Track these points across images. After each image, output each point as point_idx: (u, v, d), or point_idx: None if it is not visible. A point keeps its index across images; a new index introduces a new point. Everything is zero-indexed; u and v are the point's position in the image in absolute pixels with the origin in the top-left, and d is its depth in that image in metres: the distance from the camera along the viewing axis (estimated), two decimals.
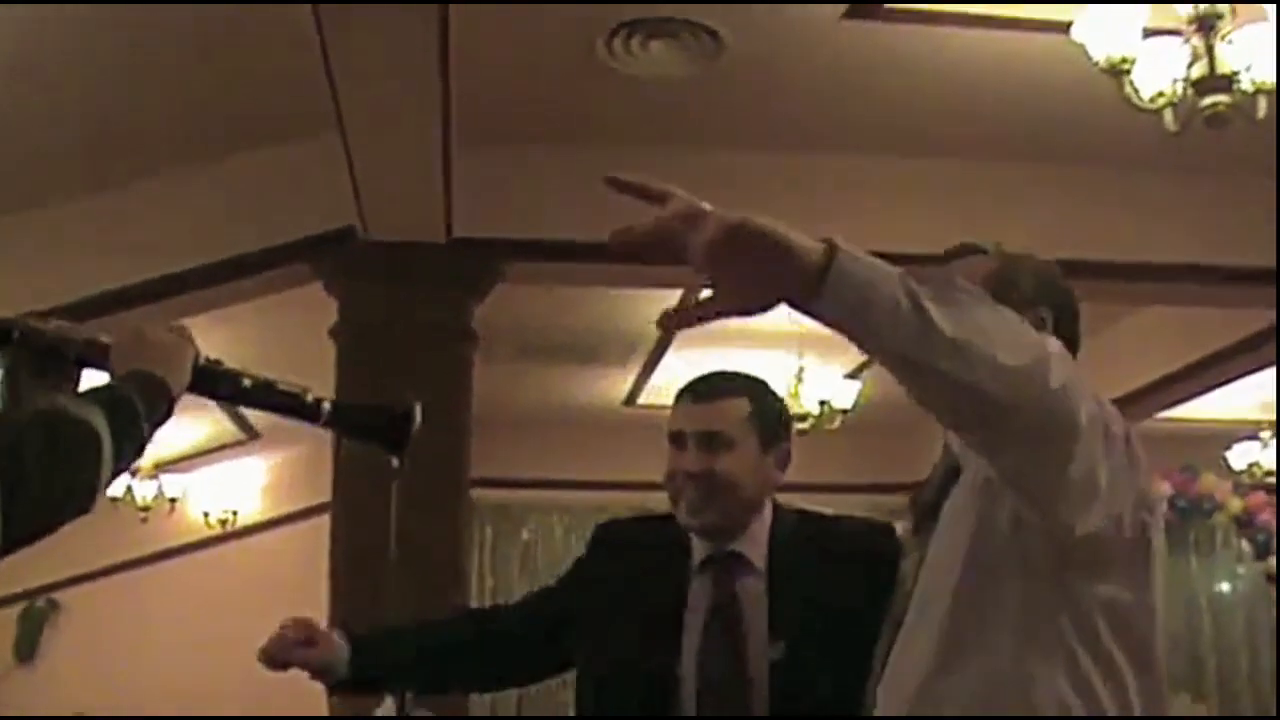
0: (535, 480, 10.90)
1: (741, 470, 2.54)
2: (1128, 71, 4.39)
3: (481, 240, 5.98)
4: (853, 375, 8.76)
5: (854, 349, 6.24)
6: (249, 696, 10.13)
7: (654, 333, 8.60)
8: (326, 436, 6.19)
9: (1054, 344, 1.70)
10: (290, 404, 1.94)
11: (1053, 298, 2.13)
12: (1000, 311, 1.65)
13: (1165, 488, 8.07)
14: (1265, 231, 6.02)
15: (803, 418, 8.22)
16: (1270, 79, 4.31)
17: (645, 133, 5.91)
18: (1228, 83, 4.31)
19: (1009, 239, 6.00)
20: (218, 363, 1.93)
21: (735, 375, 2.70)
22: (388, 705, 4.81)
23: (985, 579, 1.87)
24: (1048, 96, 5.52)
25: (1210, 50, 4.22)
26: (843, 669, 2.33)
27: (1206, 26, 4.22)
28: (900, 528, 2.56)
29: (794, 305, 1.54)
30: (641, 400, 10.08)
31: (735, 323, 6.40)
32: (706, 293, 1.57)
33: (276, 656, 2.60)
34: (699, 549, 2.57)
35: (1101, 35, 4.40)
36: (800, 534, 2.60)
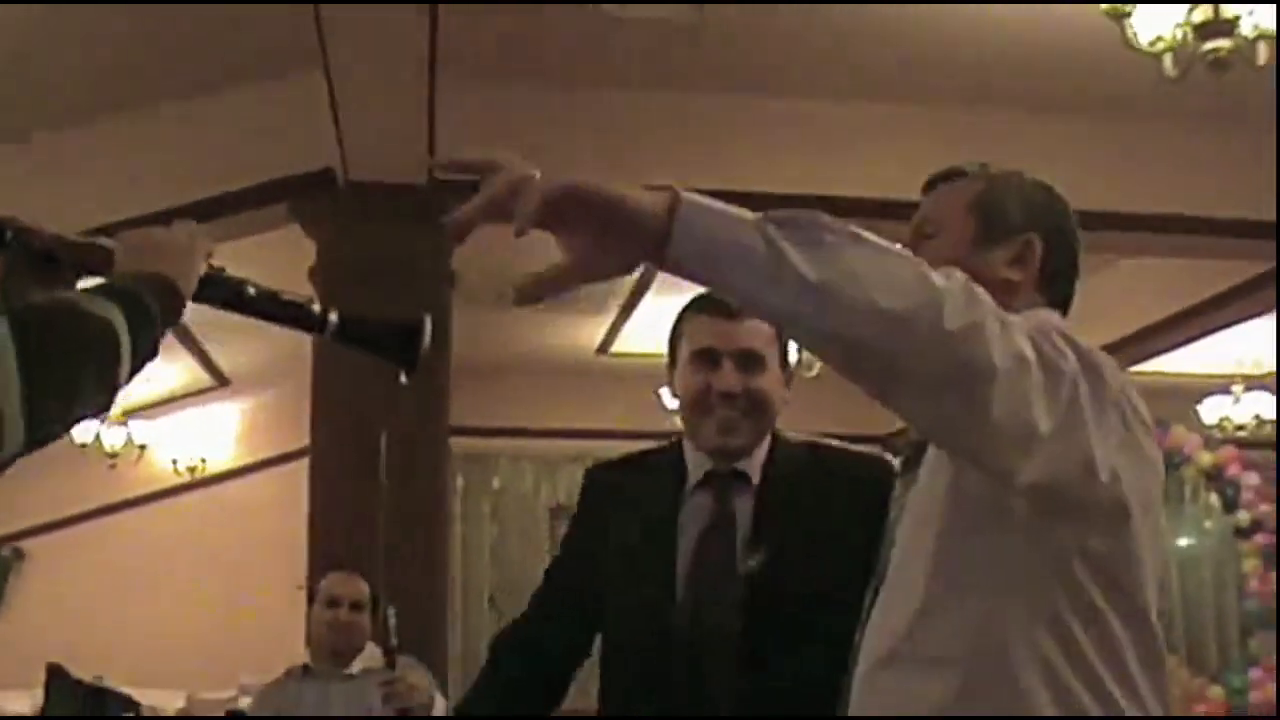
0: (506, 428, 10.84)
1: (774, 390, 2.51)
2: (1129, 15, 4.36)
3: (463, 181, 5.85)
4: None
5: None
6: (219, 643, 10.16)
7: (629, 280, 8.55)
8: (301, 382, 6.13)
9: (956, 280, 1.53)
10: (295, 314, 1.84)
11: (1043, 221, 1.97)
12: (880, 249, 1.50)
13: None
14: (1256, 184, 6.01)
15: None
16: (1271, 25, 4.29)
17: (630, 76, 5.85)
18: (1229, 27, 4.28)
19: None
20: (220, 269, 1.83)
21: None
22: (370, 654, 4.76)
23: (963, 529, 1.77)
24: (1042, 42, 5.48)
25: None
26: (823, 586, 2.34)
27: None
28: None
29: (650, 263, 1.48)
30: (615, 348, 10.03)
31: None
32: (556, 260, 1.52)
33: None
34: (698, 466, 2.53)
35: None
36: (798, 457, 2.56)
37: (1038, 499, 1.67)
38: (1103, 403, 1.65)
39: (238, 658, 8.69)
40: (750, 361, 2.49)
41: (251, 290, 1.83)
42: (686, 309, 2.59)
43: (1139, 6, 4.33)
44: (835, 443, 2.66)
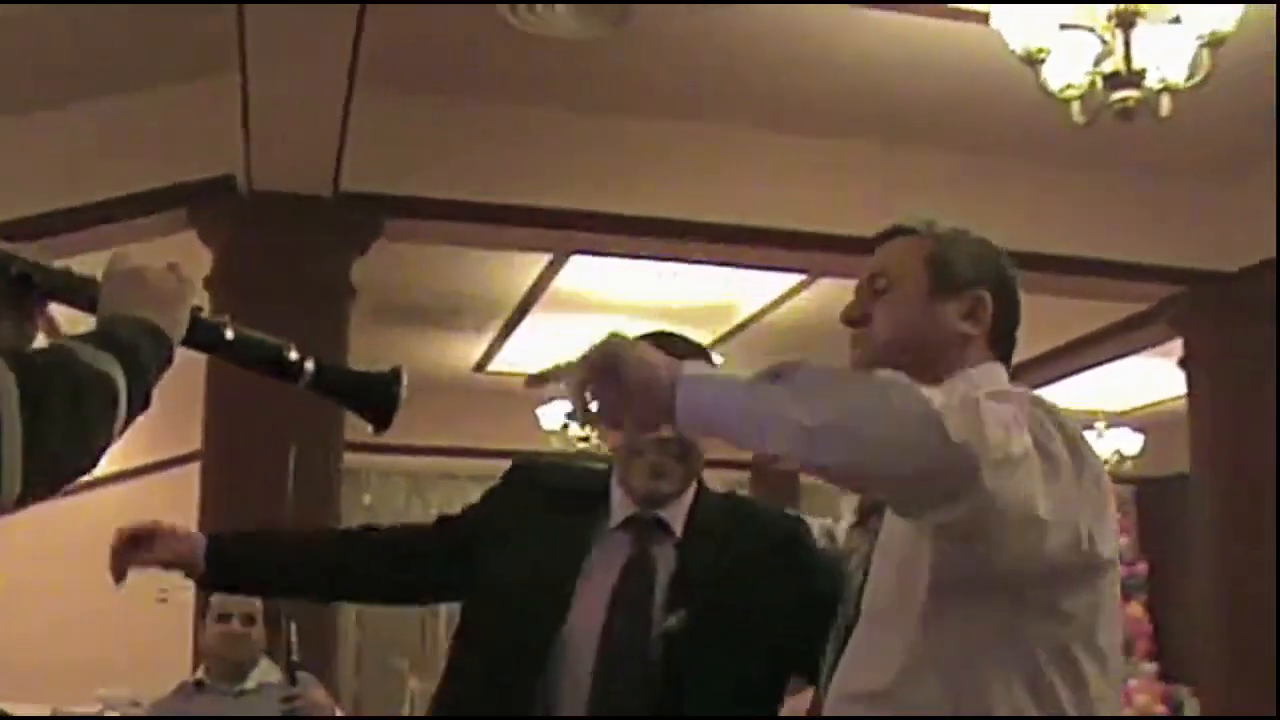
0: (378, 444, 10.71)
1: (701, 441, 2.54)
2: (1043, 61, 4.49)
3: (368, 195, 5.86)
4: (715, 348, 8.76)
5: (720, 320, 6.27)
6: (84, 656, 9.87)
7: (514, 299, 8.54)
8: (189, 385, 6.01)
9: (953, 392, 1.69)
10: (270, 361, 1.81)
11: (992, 277, 2.06)
12: (871, 384, 1.67)
13: None
14: (1149, 228, 6.24)
15: None
16: (1178, 78, 4.45)
17: (543, 93, 5.85)
18: (1138, 79, 4.42)
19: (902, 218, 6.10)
20: (199, 309, 1.77)
21: (689, 340, 2.60)
22: (265, 668, 4.69)
23: (948, 588, 1.82)
24: (958, 83, 5.63)
25: (1128, 46, 4.32)
26: (740, 646, 2.36)
27: (1125, 23, 4.32)
28: (844, 523, 2.56)
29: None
30: (492, 367, 10.00)
31: (597, 291, 6.49)
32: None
33: (114, 571, 2.53)
34: (621, 508, 2.52)
35: (1020, 25, 4.48)
36: (719, 510, 2.58)
37: (1027, 572, 1.76)
38: (1082, 475, 1.76)
39: (102, 671, 8.48)
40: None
41: (229, 334, 1.79)
42: None
43: (1052, 54, 4.46)
44: (751, 497, 2.72)
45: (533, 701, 2.37)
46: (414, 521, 2.87)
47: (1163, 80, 4.44)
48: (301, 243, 5.71)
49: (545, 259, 7.70)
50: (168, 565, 2.59)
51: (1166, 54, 4.41)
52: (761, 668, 2.41)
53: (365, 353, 9.30)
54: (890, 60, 5.56)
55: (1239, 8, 4.33)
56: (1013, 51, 4.51)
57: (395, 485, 11.55)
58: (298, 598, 3.35)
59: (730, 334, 8.99)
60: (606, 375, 1.69)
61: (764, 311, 8.67)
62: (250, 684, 4.67)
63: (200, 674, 4.74)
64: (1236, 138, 6.04)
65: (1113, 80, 4.43)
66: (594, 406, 1.73)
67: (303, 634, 4.06)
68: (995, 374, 1.99)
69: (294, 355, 1.80)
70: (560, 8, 5.22)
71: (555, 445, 9.87)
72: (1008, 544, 1.68)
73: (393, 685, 11.48)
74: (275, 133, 5.19)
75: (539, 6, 5.20)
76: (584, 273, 7.96)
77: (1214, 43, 4.36)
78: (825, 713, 1.94)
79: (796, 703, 2.57)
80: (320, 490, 5.62)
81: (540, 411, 9.60)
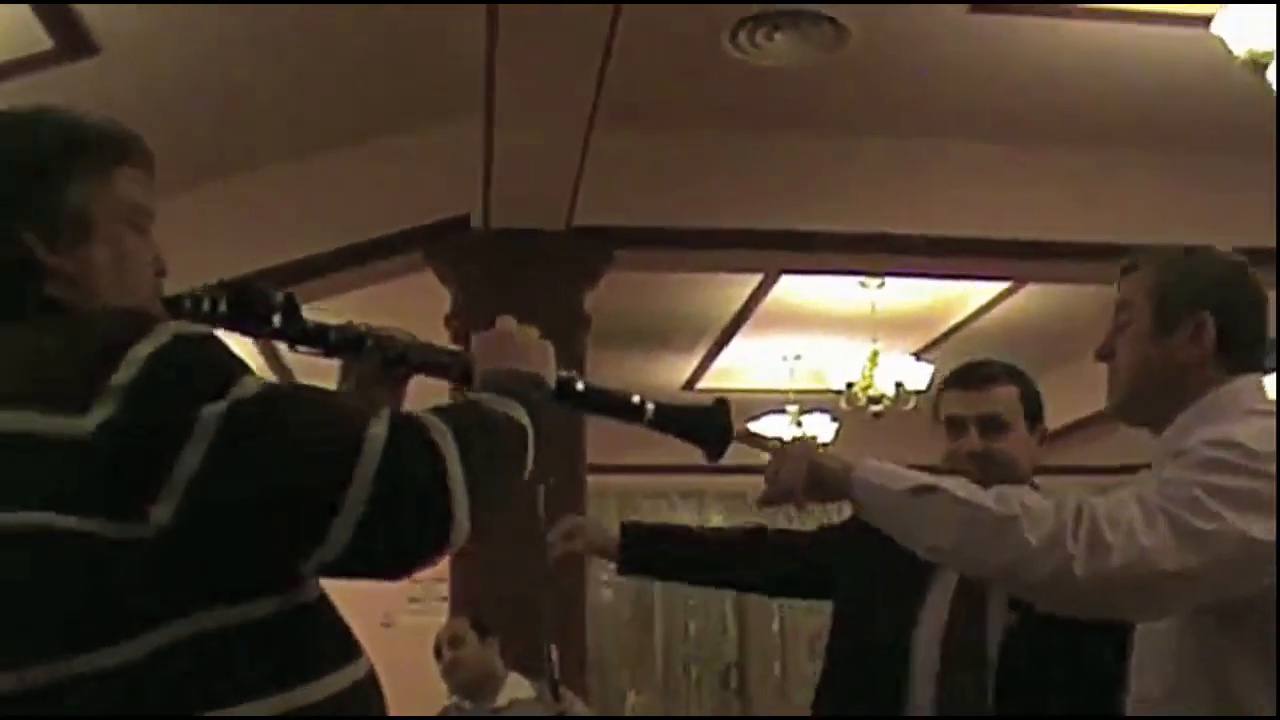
0: (592, 465, 10.96)
1: (1018, 451, 2.75)
2: (1266, 65, 4.54)
3: (599, 227, 6.09)
4: (922, 356, 8.86)
5: (927, 330, 6.41)
6: None
7: (725, 317, 8.73)
8: None
9: (1063, 507, 1.89)
10: (618, 406, 1.98)
11: (1214, 296, 2.10)
12: (980, 516, 1.94)
13: None
14: None
15: (878, 399, 8.37)
16: None
17: (765, 120, 6.05)
18: None
19: (1121, 225, 6.16)
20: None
21: (999, 364, 2.88)
22: (515, 683, 4.94)
23: (1195, 622, 1.97)
24: (1163, 84, 5.71)
25: None
26: (1080, 637, 2.44)
27: None
28: None
29: None
30: (701, 384, 10.16)
31: (807, 306, 6.64)
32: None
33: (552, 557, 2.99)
34: None
35: (1242, 30, 4.55)
36: None
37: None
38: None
39: None
40: (993, 425, 2.74)
41: (580, 386, 1.94)
42: (940, 385, 2.98)
43: (1273, 64, 4.52)
44: None
45: (895, 695, 2.62)
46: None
47: None
48: (536, 276, 5.90)
49: (756, 279, 7.88)
50: (592, 554, 3.13)
51: None
52: (1104, 654, 2.49)
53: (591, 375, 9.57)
54: (1098, 67, 5.64)
55: None
56: (1233, 55, 4.59)
57: (607, 504, 11.79)
58: (702, 585, 3.73)
59: (937, 342, 9.07)
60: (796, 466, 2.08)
61: (970, 319, 8.76)
62: (502, 700, 4.92)
63: (455, 699, 5.05)
64: None
65: None
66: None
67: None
68: (1240, 392, 2.06)
69: (636, 399, 1.96)
70: (778, 36, 5.42)
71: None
72: (1152, 604, 1.94)
73: (611, 698, 11.76)
74: (516, 172, 5.43)
75: (759, 36, 5.41)
76: (791, 290, 8.15)
77: None
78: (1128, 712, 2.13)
79: None
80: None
81: (750, 426, 9.73)
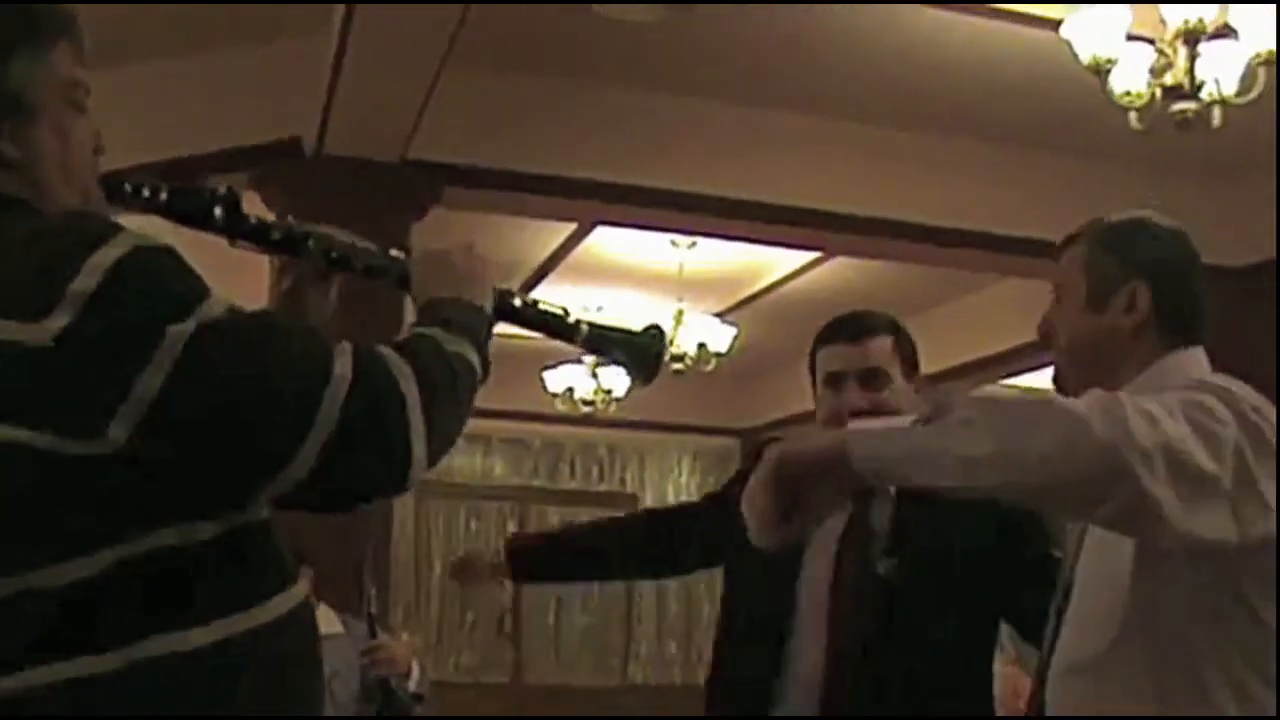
0: None
1: (899, 401, 2.73)
2: (1109, 71, 4.73)
3: (431, 163, 6.02)
4: (725, 318, 8.98)
5: (731, 292, 6.48)
6: None
7: (534, 263, 8.71)
8: None
9: (1094, 398, 1.74)
10: (553, 324, 1.96)
11: (1146, 265, 2.07)
12: (1016, 405, 1.86)
13: None
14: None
15: (679, 358, 8.46)
16: (1230, 91, 4.70)
17: (610, 72, 6.05)
18: (1196, 92, 4.68)
19: (936, 208, 6.39)
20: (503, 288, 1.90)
21: (875, 315, 2.88)
22: (325, 615, 4.88)
23: (1150, 565, 1.90)
24: (1003, 84, 5.91)
25: (1192, 61, 4.58)
26: (952, 594, 2.56)
27: (1191, 40, 4.57)
28: None
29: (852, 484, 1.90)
30: (500, 328, 10.10)
31: (616, 260, 6.72)
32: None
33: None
34: None
35: (1089, 35, 4.73)
36: None
37: (1243, 566, 1.86)
38: (1264, 455, 1.81)
39: None
40: (873, 378, 2.73)
41: (517, 302, 1.94)
42: (816, 340, 2.86)
43: (1119, 64, 4.71)
44: None
45: (782, 646, 2.66)
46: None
47: (1212, 94, 4.69)
48: (366, 206, 5.73)
49: (571, 228, 7.89)
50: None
51: (1223, 69, 4.66)
52: (973, 617, 2.61)
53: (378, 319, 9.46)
54: (938, 55, 5.78)
55: None
56: (1077, 59, 4.77)
57: None
58: (603, 580, 3.90)
59: (740, 305, 9.21)
60: (782, 480, 1.86)
61: (776, 285, 8.91)
62: None
63: None
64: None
65: (1173, 92, 4.69)
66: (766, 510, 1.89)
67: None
68: (1183, 363, 2.03)
69: (572, 319, 1.95)
70: None
71: (560, 409, 10.04)
72: (1169, 529, 1.72)
73: None
74: (360, 101, 5.31)
75: None
76: (603, 242, 8.18)
77: (1269, 60, 4.61)
78: (1050, 685, 2.06)
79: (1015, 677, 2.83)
80: None
81: (546, 375, 9.76)
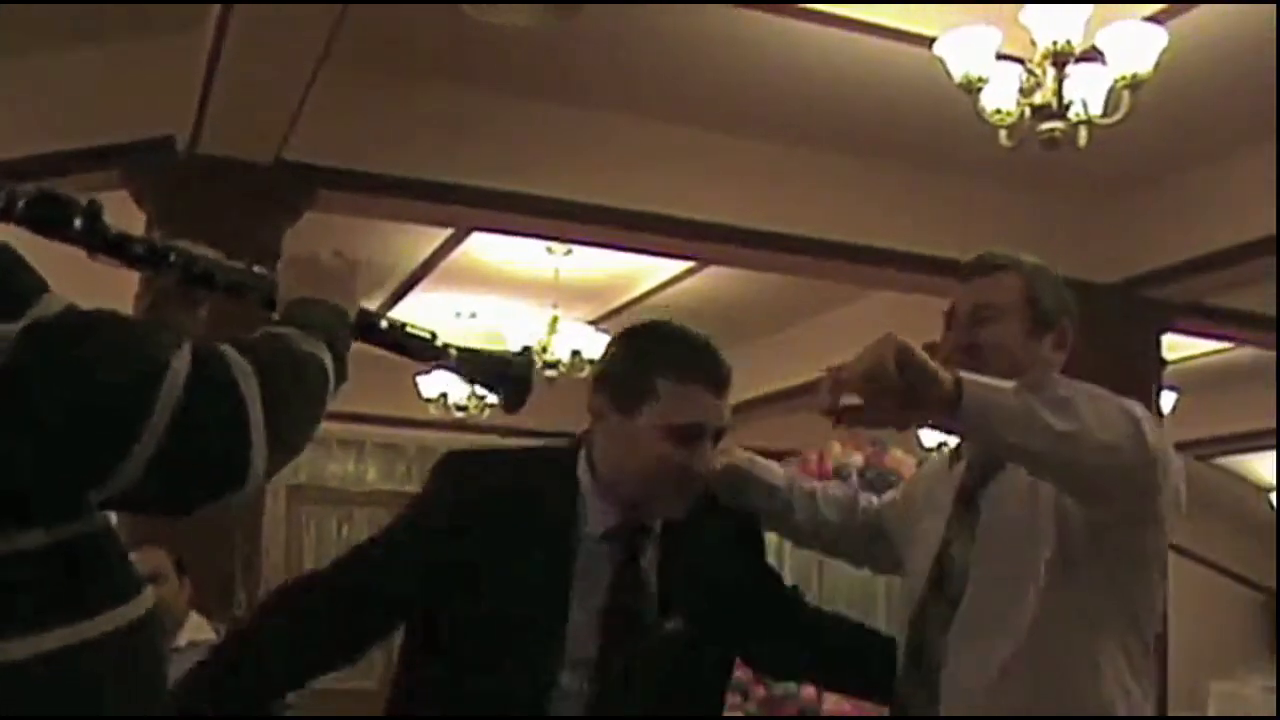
0: None
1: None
2: (980, 89, 4.83)
3: (306, 165, 5.96)
4: (599, 326, 8.98)
5: (605, 300, 6.61)
6: None
7: (408, 268, 8.66)
8: None
9: (1138, 409, 2.09)
10: (417, 345, 1.93)
11: (1069, 307, 2.39)
12: (1090, 399, 2.05)
13: (857, 459, 8.68)
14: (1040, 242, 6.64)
15: (553, 365, 8.47)
16: (1097, 112, 4.83)
17: (489, 79, 6.04)
18: (1064, 111, 4.79)
19: (806, 220, 6.49)
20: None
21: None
22: (195, 624, 4.82)
23: (1062, 578, 2.17)
24: (878, 100, 6.00)
25: (1060, 81, 4.69)
26: (728, 639, 2.44)
27: (1060, 62, 4.69)
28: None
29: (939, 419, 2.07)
30: None
31: (492, 266, 6.72)
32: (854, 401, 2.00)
33: None
34: (603, 516, 2.32)
35: (962, 53, 4.82)
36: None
37: (1143, 552, 2.24)
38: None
39: None
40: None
41: (383, 324, 1.92)
42: (668, 368, 2.26)
43: (990, 82, 4.81)
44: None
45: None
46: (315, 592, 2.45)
47: (1078, 115, 4.81)
48: (238, 207, 5.67)
49: (446, 233, 7.86)
50: None
51: (1090, 90, 4.78)
52: (727, 656, 2.48)
53: (239, 322, 9.32)
54: (814, 69, 5.86)
55: (1157, 52, 4.72)
56: (950, 77, 4.86)
57: None
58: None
59: (614, 313, 9.24)
60: (889, 369, 1.88)
61: (650, 293, 8.95)
62: (181, 642, 4.73)
63: None
64: (1121, 160, 6.47)
65: (1041, 111, 4.80)
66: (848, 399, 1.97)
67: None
68: (1082, 387, 2.17)
69: (440, 342, 1.94)
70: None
71: (434, 414, 9.99)
72: (1159, 524, 2.20)
73: None
74: (235, 100, 5.24)
75: None
76: (478, 248, 8.16)
77: (1134, 84, 4.74)
78: (945, 695, 2.21)
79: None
80: None
81: (420, 380, 9.70)
